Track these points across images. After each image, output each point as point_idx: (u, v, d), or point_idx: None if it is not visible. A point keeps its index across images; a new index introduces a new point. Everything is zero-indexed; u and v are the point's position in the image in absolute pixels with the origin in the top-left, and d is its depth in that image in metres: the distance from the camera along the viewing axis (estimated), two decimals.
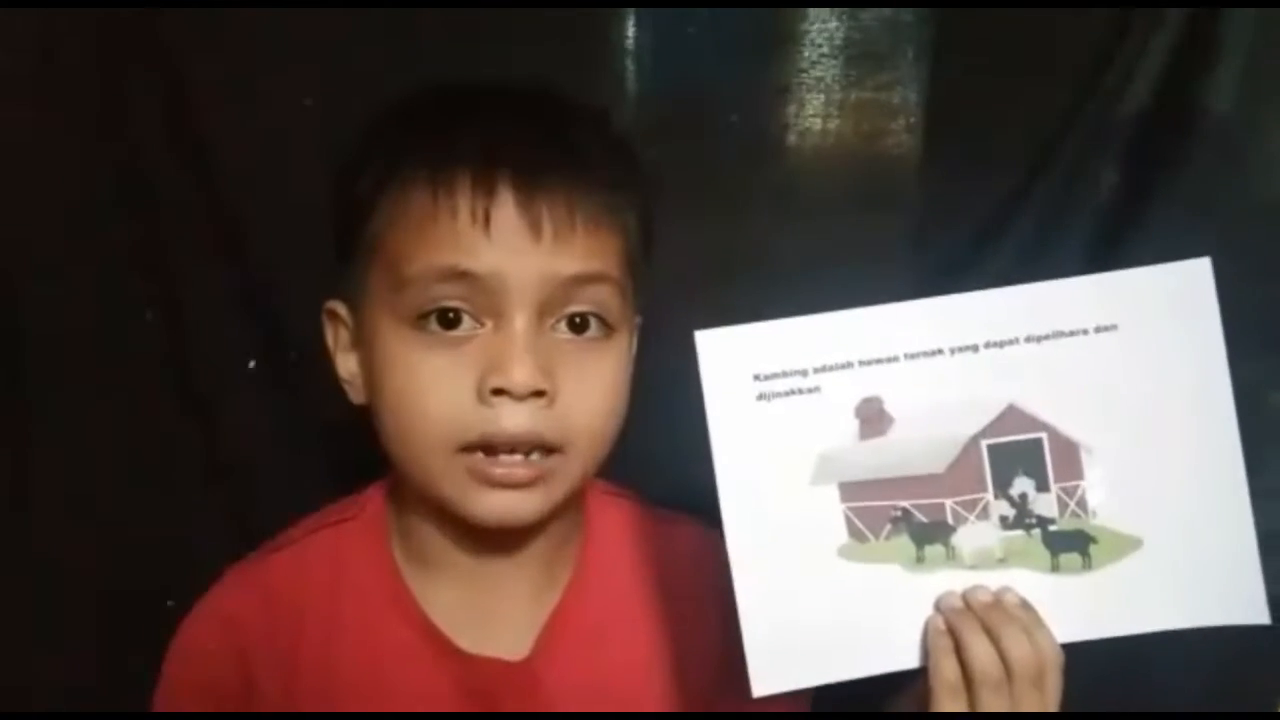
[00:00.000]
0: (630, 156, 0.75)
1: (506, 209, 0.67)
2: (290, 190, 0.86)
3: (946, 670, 0.65)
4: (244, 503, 0.94)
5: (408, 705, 0.73)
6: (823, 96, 0.93)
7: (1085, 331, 0.67)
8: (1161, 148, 0.89)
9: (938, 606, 0.67)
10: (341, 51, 0.88)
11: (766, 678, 0.66)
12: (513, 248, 0.67)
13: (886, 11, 0.91)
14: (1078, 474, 0.67)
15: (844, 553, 0.67)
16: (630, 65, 0.94)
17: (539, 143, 0.69)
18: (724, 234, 0.91)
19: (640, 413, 0.74)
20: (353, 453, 0.74)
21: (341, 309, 0.74)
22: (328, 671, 0.74)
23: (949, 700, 0.64)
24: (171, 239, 0.91)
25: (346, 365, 0.74)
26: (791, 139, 0.94)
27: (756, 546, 0.66)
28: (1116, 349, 0.67)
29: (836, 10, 0.91)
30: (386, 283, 0.69)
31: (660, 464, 0.78)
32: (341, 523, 0.78)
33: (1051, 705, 0.64)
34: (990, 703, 0.63)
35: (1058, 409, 0.67)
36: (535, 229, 0.67)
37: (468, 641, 0.74)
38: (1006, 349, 0.67)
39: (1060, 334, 0.67)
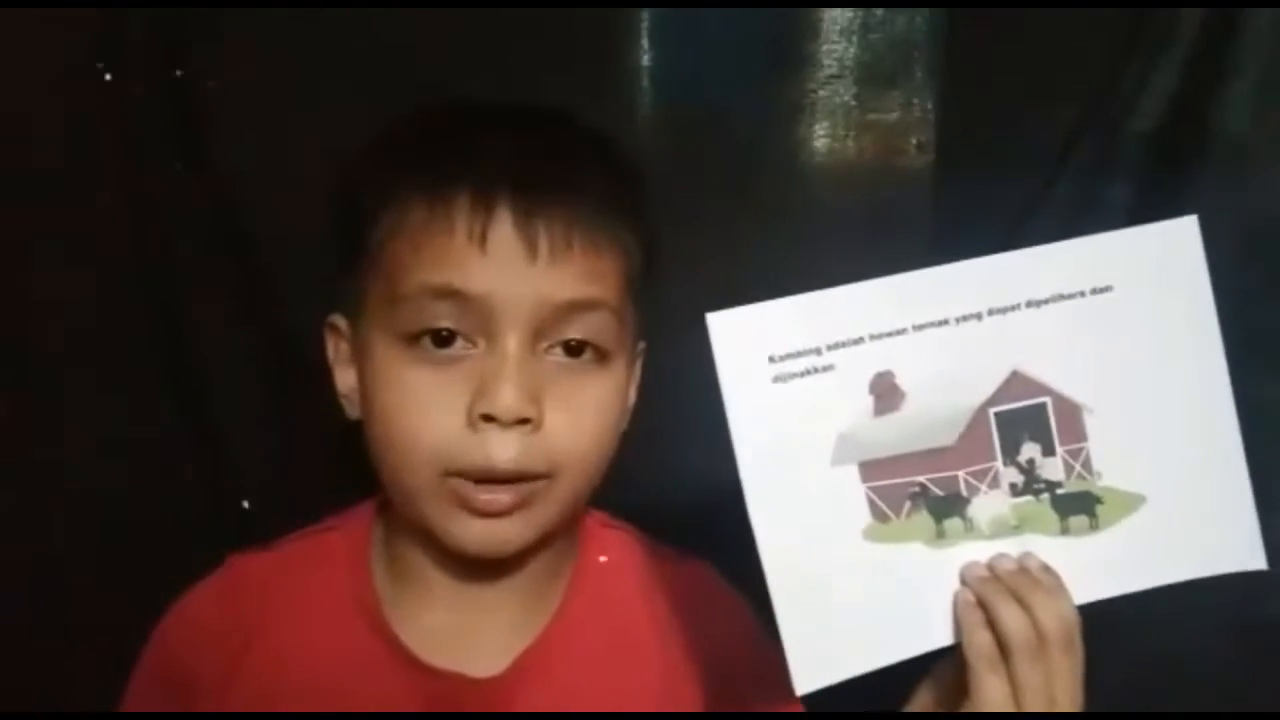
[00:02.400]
0: (635, 182, 0.73)
1: (504, 227, 0.66)
2: (299, 199, 0.81)
3: (982, 644, 0.64)
4: (250, 517, 0.93)
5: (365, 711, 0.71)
6: (832, 118, 0.93)
7: (1082, 294, 0.67)
8: (1172, 165, 0.89)
9: (963, 579, 0.66)
10: (350, 67, 0.87)
11: (807, 674, 0.64)
12: (508, 267, 0.66)
13: (896, 32, 0.92)
14: (1081, 436, 0.67)
15: (869, 534, 0.66)
16: (640, 86, 0.93)
17: (541, 163, 0.68)
18: (735, 256, 0.90)
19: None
20: (362, 465, 0.72)
21: (341, 322, 0.73)
22: (281, 671, 0.72)
23: (988, 673, 0.63)
24: (177, 248, 0.90)
25: (345, 380, 0.73)
26: (801, 160, 0.94)
27: (786, 536, 0.64)
28: (1112, 309, 0.67)
29: (846, 31, 0.91)
30: (383, 297, 0.68)
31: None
32: (326, 531, 0.77)
33: (1080, 670, 0.64)
34: (1028, 671, 0.63)
35: (1059, 372, 0.67)
36: (531, 249, 0.65)
37: (441, 659, 0.71)
38: (1009, 315, 0.66)
39: (1059, 297, 0.67)
